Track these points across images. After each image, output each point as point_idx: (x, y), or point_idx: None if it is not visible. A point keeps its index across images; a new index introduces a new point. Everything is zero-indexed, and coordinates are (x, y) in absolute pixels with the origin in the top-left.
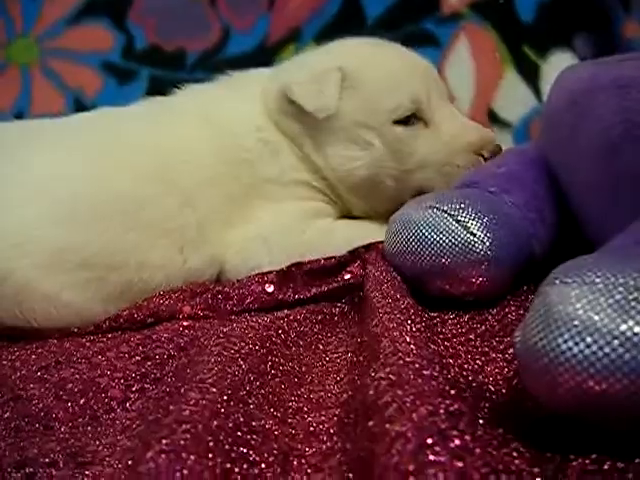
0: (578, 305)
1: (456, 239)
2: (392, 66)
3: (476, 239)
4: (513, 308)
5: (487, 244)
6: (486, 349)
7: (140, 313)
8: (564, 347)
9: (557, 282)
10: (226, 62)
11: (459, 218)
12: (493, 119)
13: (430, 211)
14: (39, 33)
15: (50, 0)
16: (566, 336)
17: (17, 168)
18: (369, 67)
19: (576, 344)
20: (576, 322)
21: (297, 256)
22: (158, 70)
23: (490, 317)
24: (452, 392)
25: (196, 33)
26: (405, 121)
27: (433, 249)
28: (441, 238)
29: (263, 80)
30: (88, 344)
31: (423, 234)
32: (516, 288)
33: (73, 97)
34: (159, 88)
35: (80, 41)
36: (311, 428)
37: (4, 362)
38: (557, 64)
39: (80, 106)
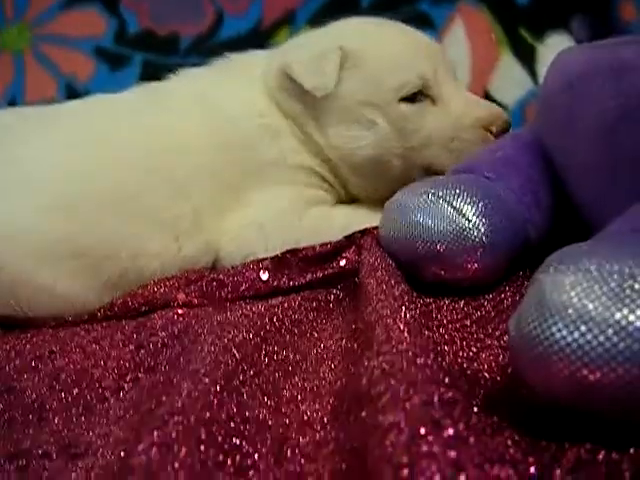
0: (572, 293)
1: (451, 225)
2: (396, 44)
3: (471, 225)
4: (509, 294)
5: (482, 230)
6: (481, 336)
7: (135, 301)
8: (558, 336)
9: (551, 270)
10: (220, 46)
11: (454, 204)
12: (489, 101)
13: (425, 197)
14: (31, 19)
15: None
16: (560, 325)
17: (9, 158)
18: (372, 45)
19: (570, 333)
20: (570, 310)
21: (293, 243)
22: (151, 55)
23: (486, 303)
24: (446, 380)
25: (189, 17)
26: (411, 98)
27: (428, 235)
28: (436, 224)
29: (261, 61)
30: (83, 332)
31: (418, 220)
32: (512, 273)
33: (65, 83)
34: (152, 73)
35: (72, 26)
36: (305, 417)
37: None
38: (553, 46)
39: (73, 92)
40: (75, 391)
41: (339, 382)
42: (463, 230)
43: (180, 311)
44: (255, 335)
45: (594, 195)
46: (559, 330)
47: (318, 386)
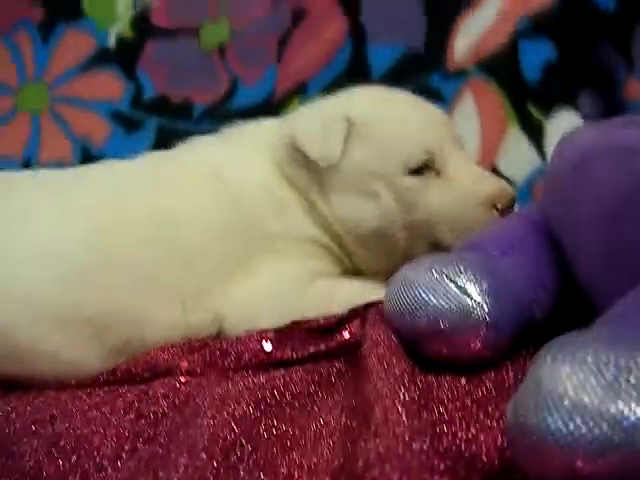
0: (568, 384)
1: (454, 303)
2: (404, 115)
3: (474, 304)
4: (511, 373)
5: (485, 309)
6: (481, 416)
7: (137, 367)
8: (553, 427)
9: (548, 359)
10: (233, 114)
11: (458, 282)
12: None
13: (429, 273)
14: (51, 79)
15: (62, 46)
16: (555, 416)
17: (20, 225)
18: (379, 117)
19: (565, 424)
20: (566, 402)
21: (298, 315)
22: (165, 120)
23: (487, 381)
24: (441, 467)
25: (204, 84)
26: (417, 171)
27: (431, 312)
28: (439, 301)
29: (270, 131)
30: (84, 397)
31: (421, 296)
32: (515, 350)
33: (80, 145)
34: (165, 138)
35: (90, 89)
36: None
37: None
38: (561, 123)
39: (87, 154)
40: (73, 458)
41: (336, 461)
42: (466, 308)
43: (182, 379)
44: (255, 408)
45: (597, 277)
46: (554, 421)
47: (315, 463)
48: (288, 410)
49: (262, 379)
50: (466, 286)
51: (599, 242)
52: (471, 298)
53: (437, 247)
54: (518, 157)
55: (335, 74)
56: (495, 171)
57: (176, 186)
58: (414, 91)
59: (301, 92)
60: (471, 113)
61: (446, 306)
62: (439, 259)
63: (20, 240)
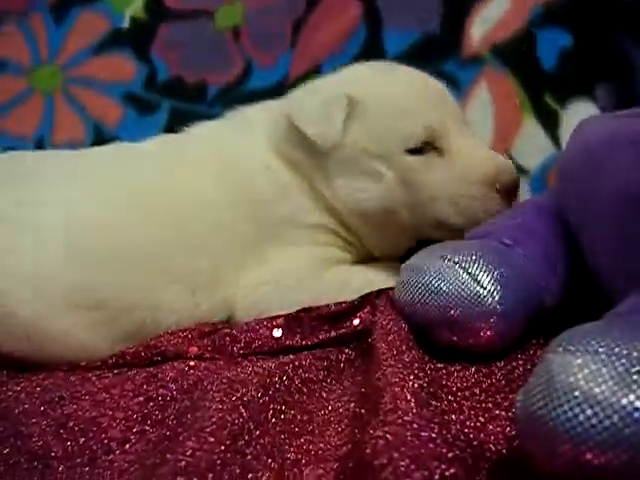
0: (580, 376)
1: (465, 291)
2: (404, 93)
3: (486, 292)
4: (520, 362)
5: (497, 297)
6: (490, 405)
7: (147, 351)
8: (563, 418)
9: (560, 350)
10: (246, 97)
11: (470, 270)
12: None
13: (441, 262)
14: (64, 61)
15: (76, 28)
16: (566, 407)
17: (31, 207)
18: (380, 94)
19: (576, 416)
20: (577, 393)
21: (310, 302)
22: (179, 102)
23: (497, 371)
24: (449, 455)
25: (218, 67)
26: (419, 150)
27: (442, 300)
28: (450, 289)
29: (272, 113)
30: (94, 379)
31: (432, 284)
32: (525, 340)
33: (93, 126)
34: (179, 120)
35: (103, 70)
36: None
37: (9, 393)
38: (577, 113)
39: (100, 135)
40: (82, 440)
41: (344, 447)
42: (477, 297)
43: (192, 363)
44: (264, 394)
45: (610, 265)
46: (565, 412)
47: (323, 450)
48: (297, 396)
49: (271, 365)
50: (478, 274)
51: (614, 232)
52: (482, 286)
53: (442, 226)
54: (533, 145)
55: (349, 58)
56: (509, 159)
57: (183, 170)
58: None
59: (315, 75)
60: (486, 101)
61: (457, 294)
62: (451, 248)
63: (34, 223)
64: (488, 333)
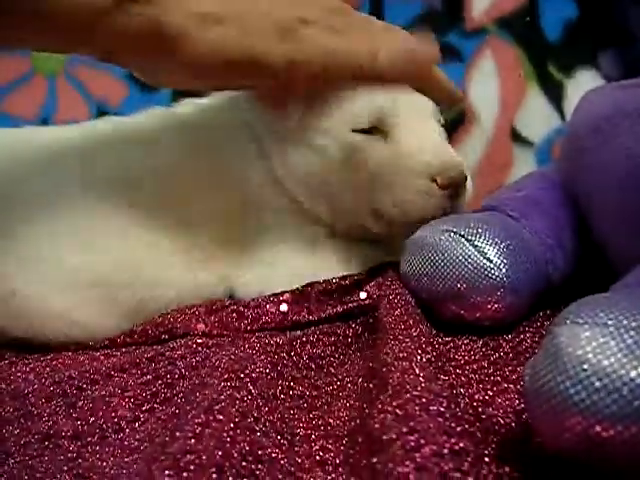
0: (588, 348)
1: (472, 264)
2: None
3: (492, 265)
4: (528, 335)
5: (504, 271)
6: (498, 378)
7: (155, 329)
8: (572, 391)
9: (568, 322)
10: None
11: (476, 243)
12: (515, 137)
13: (447, 235)
14: None
15: None
16: (574, 380)
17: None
18: None
19: (584, 388)
20: (585, 366)
21: (309, 277)
22: None
23: (504, 344)
24: (458, 429)
25: None
26: (367, 131)
27: (448, 274)
28: (457, 263)
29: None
30: (102, 358)
31: (439, 258)
32: (532, 313)
33: (97, 105)
34: (183, 97)
35: None
36: (317, 457)
37: (18, 374)
38: (582, 83)
39: (104, 114)
40: (91, 419)
41: (353, 422)
42: (484, 270)
43: (199, 340)
44: (272, 370)
45: (619, 239)
46: (573, 385)
47: (332, 425)
48: (305, 371)
49: (279, 340)
50: (484, 247)
51: (622, 203)
52: (489, 259)
53: (378, 216)
54: (537, 117)
55: None
56: (514, 131)
57: (171, 146)
58: None
59: None
60: (490, 72)
61: (464, 268)
62: (457, 221)
63: (32, 201)
64: (495, 306)
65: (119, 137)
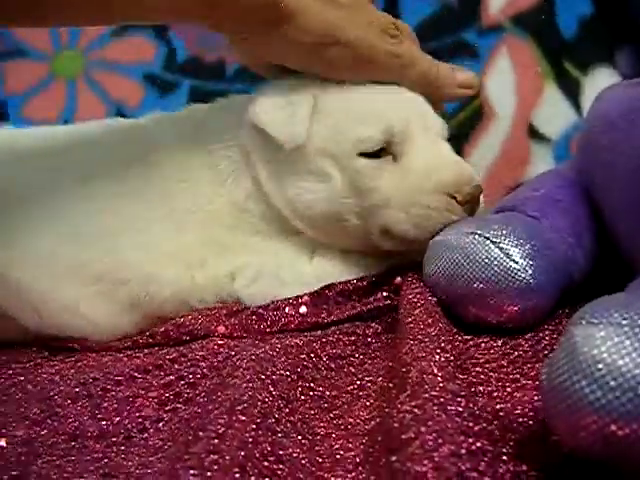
0: (603, 348)
1: (498, 267)
2: (369, 92)
3: (519, 267)
4: (547, 332)
5: (529, 272)
6: (517, 376)
7: (176, 330)
8: (587, 390)
9: (583, 322)
10: None
11: (501, 245)
12: (533, 134)
13: (472, 237)
14: (84, 45)
15: None
16: (590, 379)
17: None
18: (343, 92)
19: (600, 388)
20: (600, 365)
21: (313, 283)
22: (198, 81)
23: (523, 342)
24: (476, 429)
25: None
26: (374, 154)
27: (473, 276)
28: (482, 265)
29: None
30: (125, 359)
31: (464, 260)
32: (552, 311)
33: (116, 108)
34: (199, 99)
35: (123, 53)
36: (337, 456)
37: (44, 375)
38: (598, 80)
39: (122, 117)
40: (116, 420)
41: (373, 421)
42: (510, 272)
43: (220, 342)
44: (292, 372)
45: (632, 235)
46: (589, 384)
47: (352, 424)
48: (325, 372)
49: (299, 342)
50: (509, 249)
51: (635, 202)
52: (515, 261)
53: (391, 235)
54: (555, 113)
55: None
56: (531, 128)
57: (171, 151)
58: (449, 47)
59: None
60: (507, 69)
61: (490, 270)
62: (480, 222)
63: (36, 200)
64: (519, 308)
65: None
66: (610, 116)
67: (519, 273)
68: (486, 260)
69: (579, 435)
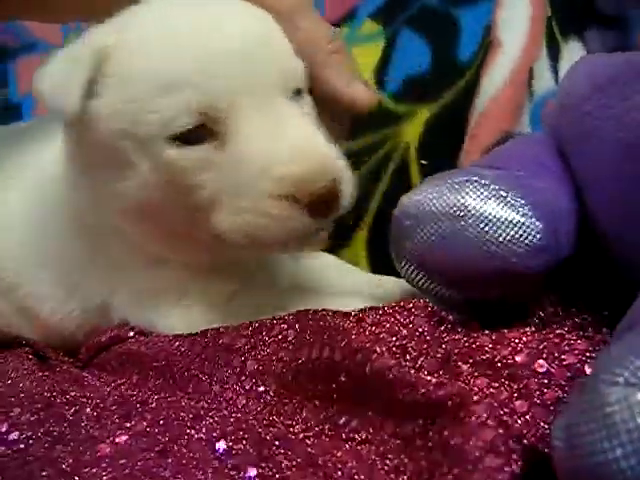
0: None
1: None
2: (180, 50)
3: (529, 223)
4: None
5: (540, 226)
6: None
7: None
8: (624, 463)
9: (621, 381)
10: None
11: (508, 199)
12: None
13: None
14: None
15: None
16: (628, 448)
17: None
18: (143, 48)
19: (638, 460)
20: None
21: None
22: None
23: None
24: None
25: None
26: (189, 138)
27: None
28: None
29: None
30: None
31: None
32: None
33: None
34: None
35: None
36: None
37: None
38: (572, 52)
39: None
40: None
41: None
42: (519, 230)
43: None
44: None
45: (611, 210)
46: (625, 455)
47: None
48: None
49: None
50: (518, 207)
51: (618, 172)
52: (525, 216)
53: (224, 241)
54: (540, 74)
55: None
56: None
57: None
58: None
59: (350, 19)
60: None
61: (497, 234)
62: (493, 182)
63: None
64: (534, 270)
65: None
66: (597, 81)
67: (529, 230)
68: (492, 219)
69: None
